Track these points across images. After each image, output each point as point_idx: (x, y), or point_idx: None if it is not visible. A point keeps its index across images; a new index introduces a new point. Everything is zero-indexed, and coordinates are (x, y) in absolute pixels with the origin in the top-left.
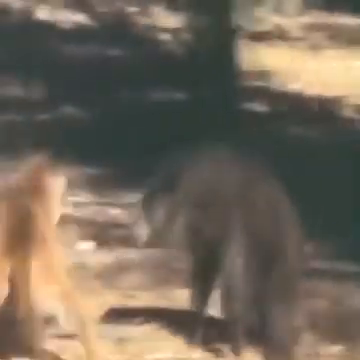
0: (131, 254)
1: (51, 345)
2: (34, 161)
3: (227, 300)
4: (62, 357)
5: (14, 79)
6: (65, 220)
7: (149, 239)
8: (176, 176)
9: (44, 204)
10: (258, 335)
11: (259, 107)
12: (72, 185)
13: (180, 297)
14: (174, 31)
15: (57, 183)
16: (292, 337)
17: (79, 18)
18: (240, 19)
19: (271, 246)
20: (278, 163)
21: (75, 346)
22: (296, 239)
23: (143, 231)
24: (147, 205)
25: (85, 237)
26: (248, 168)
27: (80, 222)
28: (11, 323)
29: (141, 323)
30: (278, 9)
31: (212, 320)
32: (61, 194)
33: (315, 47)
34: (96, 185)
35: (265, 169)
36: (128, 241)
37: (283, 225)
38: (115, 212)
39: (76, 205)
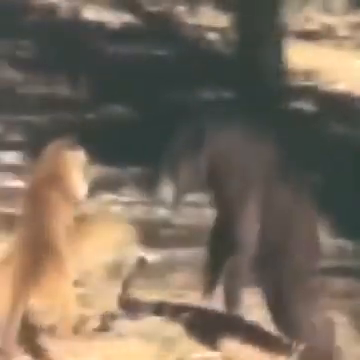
0: (179, 253)
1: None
2: (51, 147)
3: (233, 268)
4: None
5: (62, 78)
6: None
7: (175, 200)
8: (200, 137)
9: (63, 190)
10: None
11: (305, 106)
12: (120, 185)
13: None
14: (221, 30)
15: (76, 158)
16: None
17: (127, 18)
18: (287, 18)
19: (278, 238)
20: (323, 162)
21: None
22: (306, 240)
23: (169, 193)
24: (171, 167)
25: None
26: (275, 154)
27: (128, 222)
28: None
29: (189, 322)
30: (325, 8)
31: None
32: (82, 168)
33: None
34: (144, 184)
35: (292, 165)
36: (176, 240)
37: (292, 225)
38: (163, 211)
39: (124, 205)
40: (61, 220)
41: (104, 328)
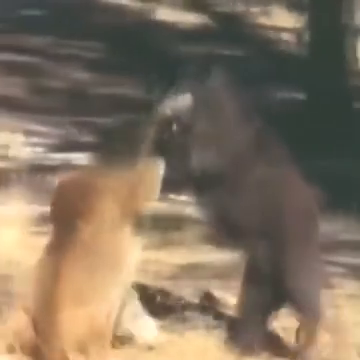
0: None
1: None
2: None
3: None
4: None
5: (133, 80)
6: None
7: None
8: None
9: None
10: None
11: None
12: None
13: None
14: (294, 31)
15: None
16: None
17: (199, 18)
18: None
19: (272, 211)
20: None
21: None
22: (298, 209)
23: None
24: None
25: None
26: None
27: (198, 223)
28: None
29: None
30: None
31: None
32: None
33: None
34: None
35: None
36: None
37: (282, 196)
38: None
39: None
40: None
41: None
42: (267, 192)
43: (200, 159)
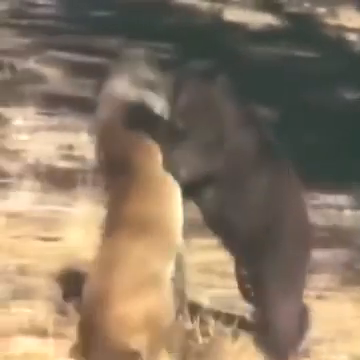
0: (319, 255)
1: None
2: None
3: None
4: None
5: None
6: None
7: None
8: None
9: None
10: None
11: None
12: None
13: None
14: None
15: None
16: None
17: (268, 19)
18: None
19: (265, 223)
20: None
21: None
22: (294, 226)
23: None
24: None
25: None
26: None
27: None
28: None
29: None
30: None
31: None
32: None
33: None
34: None
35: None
36: (316, 242)
37: (280, 209)
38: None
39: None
40: None
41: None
42: (267, 200)
43: (194, 161)
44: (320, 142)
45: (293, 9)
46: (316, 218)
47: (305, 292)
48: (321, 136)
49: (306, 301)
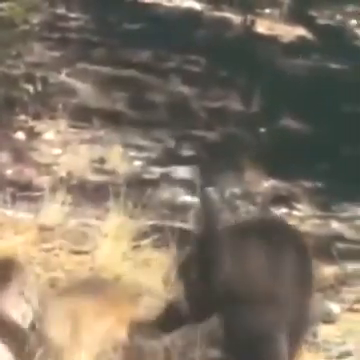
0: (351, 267)
1: None
2: None
3: None
4: None
5: (234, 93)
6: None
7: None
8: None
9: None
10: None
11: None
12: (293, 199)
13: None
14: None
15: None
16: None
17: (300, 31)
18: None
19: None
20: None
21: None
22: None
23: None
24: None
25: None
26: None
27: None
28: None
29: None
30: None
31: None
32: None
33: None
34: (317, 198)
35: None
36: (348, 254)
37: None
38: (337, 225)
39: (298, 219)
40: None
41: None
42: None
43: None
44: (353, 153)
45: (325, 21)
46: (345, 230)
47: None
48: (354, 147)
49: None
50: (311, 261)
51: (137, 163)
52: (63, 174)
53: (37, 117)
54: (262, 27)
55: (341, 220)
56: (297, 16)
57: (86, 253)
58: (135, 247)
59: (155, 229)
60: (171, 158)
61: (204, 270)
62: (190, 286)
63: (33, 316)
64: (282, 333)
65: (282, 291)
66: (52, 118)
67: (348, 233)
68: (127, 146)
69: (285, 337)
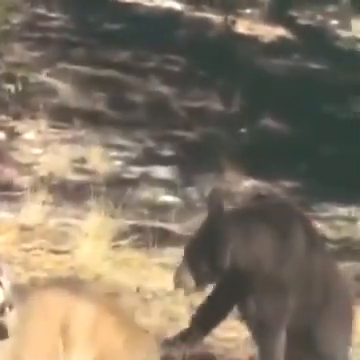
0: None
1: None
2: None
3: None
4: None
5: (214, 92)
6: None
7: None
8: (220, 236)
9: None
10: None
11: None
12: None
13: None
14: None
15: None
16: None
17: (280, 31)
18: None
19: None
20: None
21: None
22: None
23: (189, 279)
24: (189, 258)
25: None
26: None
27: None
28: None
29: None
30: None
31: None
32: None
33: None
34: (297, 198)
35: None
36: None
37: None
38: (317, 225)
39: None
40: None
41: None
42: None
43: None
44: (332, 153)
45: (305, 22)
46: (325, 230)
47: None
48: (334, 147)
49: None
50: (321, 243)
51: (117, 163)
52: (44, 174)
53: (17, 117)
54: (242, 27)
55: (321, 220)
56: (277, 16)
57: (66, 253)
58: (115, 247)
59: (135, 229)
60: (151, 158)
61: (211, 252)
62: (197, 267)
63: (4, 300)
64: (282, 325)
65: (287, 276)
66: (33, 118)
67: (329, 233)
68: (107, 146)
69: (284, 329)
